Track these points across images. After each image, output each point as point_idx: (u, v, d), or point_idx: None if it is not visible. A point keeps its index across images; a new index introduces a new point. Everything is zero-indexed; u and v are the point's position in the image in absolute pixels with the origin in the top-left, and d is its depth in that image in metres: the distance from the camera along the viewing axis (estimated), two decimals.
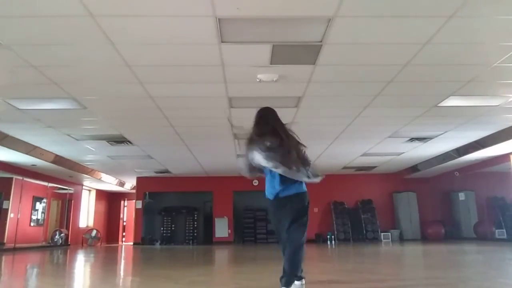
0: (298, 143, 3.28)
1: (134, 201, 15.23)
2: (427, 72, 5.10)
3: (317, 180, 3.11)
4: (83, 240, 14.90)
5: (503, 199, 12.38)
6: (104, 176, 13.86)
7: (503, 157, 10.02)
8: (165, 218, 14.64)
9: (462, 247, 9.11)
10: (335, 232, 13.56)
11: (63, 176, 12.70)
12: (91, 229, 15.40)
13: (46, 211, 13.79)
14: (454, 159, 10.45)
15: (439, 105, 6.37)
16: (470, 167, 11.50)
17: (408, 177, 13.78)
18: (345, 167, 12.84)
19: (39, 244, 12.58)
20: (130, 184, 16.22)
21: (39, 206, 13.42)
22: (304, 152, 3.24)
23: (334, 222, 13.74)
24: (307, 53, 4.51)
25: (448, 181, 13.15)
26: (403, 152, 10.46)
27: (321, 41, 4.22)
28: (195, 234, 14.51)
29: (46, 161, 9.91)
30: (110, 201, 18.29)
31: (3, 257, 8.35)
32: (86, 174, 12.54)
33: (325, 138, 8.78)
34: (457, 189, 13.16)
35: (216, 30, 3.94)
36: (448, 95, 5.95)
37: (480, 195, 12.91)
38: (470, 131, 8.18)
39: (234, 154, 10.08)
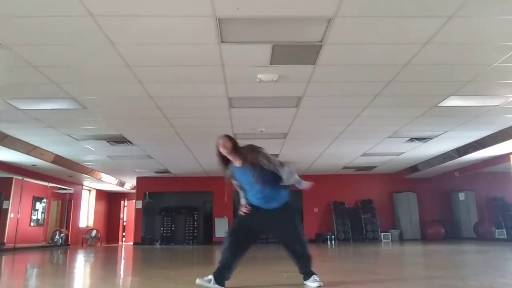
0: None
1: (134, 201, 15.24)
2: (427, 72, 5.10)
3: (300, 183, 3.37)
4: (83, 240, 14.90)
5: (503, 199, 12.38)
6: (104, 176, 13.87)
7: (503, 157, 10.02)
8: (165, 218, 14.64)
9: (462, 247, 9.10)
10: (335, 232, 13.56)
11: (63, 176, 12.71)
12: (91, 229, 15.41)
13: (46, 211, 13.80)
14: (454, 159, 10.46)
15: (439, 105, 6.37)
16: (470, 167, 11.50)
17: (408, 177, 13.78)
18: (345, 167, 12.84)
19: (39, 244, 12.58)
20: (130, 184, 16.23)
21: (39, 206, 13.42)
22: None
23: (334, 222, 13.74)
24: (307, 53, 4.51)
25: (448, 181, 13.15)
26: (403, 152, 10.46)
27: (321, 41, 4.22)
28: (195, 234, 14.51)
29: (46, 161, 9.91)
30: (110, 201, 18.29)
31: (3, 257, 8.35)
32: (86, 174, 12.54)
33: (325, 138, 8.78)
34: (457, 189, 13.15)
35: (216, 30, 3.94)
36: (448, 95, 5.95)
37: (480, 195, 12.91)
38: (470, 131, 8.19)
39: None
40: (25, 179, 11.76)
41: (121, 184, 15.92)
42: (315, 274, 3.30)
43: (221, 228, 13.97)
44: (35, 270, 6.04)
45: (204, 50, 4.41)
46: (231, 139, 3.31)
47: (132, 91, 5.62)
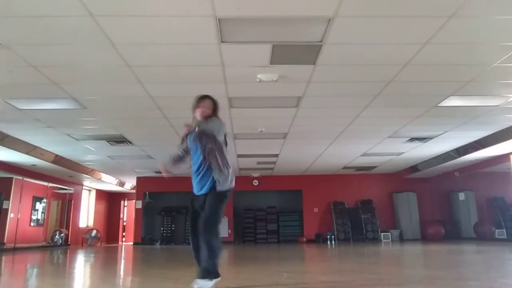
0: None
1: (134, 201, 15.23)
2: (427, 72, 5.10)
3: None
4: (83, 240, 14.90)
5: (503, 199, 12.37)
6: (104, 176, 13.87)
7: (503, 157, 10.02)
8: (165, 218, 14.64)
9: (462, 247, 9.10)
10: (335, 232, 13.56)
11: (63, 176, 12.71)
12: (91, 229, 15.40)
13: (46, 211, 13.79)
14: (454, 159, 10.46)
15: (439, 105, 6.37)
16: (470, 167, 11.50)
17: (408, 177, 13.78)
18: (345, 167, 12.84)
19: (39, 244, 12.57)
20: (130, 184, 16.22)
21: (39, 206, 13.42)
22: None
23: (334, 222, 13.74)
24: (307, 53, 4.51)
25: (448, 181, 13.14)
26: (403, 152, 10.46)
27: (321, 41, 4.22)
28: None
29: (46, 161, 9.91)
30: (110, 201, 18.29)
31: (3, 257, 8.35)
32: (86, 174, 12.54)
33: (325, 138, 8.78)
34: (457, 189, 13.15)
35: (216, 30, 3.94)
36: (448, 95, 5.95)
37: (480, 195, 12.89)
38: (470, 131, 8.19)
39: (234, 153, 10.07)
40: (25, 179, 11.75)
41: (121, 184, 15.92)
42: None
43: (221, 228, 13.94)
44: (35, 270, 6.04)
45: (204, 50, 4.41)
46: (215, 104, 3.25)
47: (132, 91, 5.62)
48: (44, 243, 12.93)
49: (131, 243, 14.96)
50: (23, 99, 5.91)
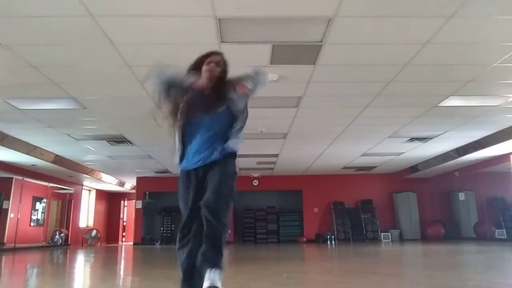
0: None
1: (134, 201, 15.23)
2: (427, 72, 5.10)
3: None
4: (83, 240, 14.89)
5: (503, 199, 12.38)
6: (104, 176, 13.87)
7: (503, 157, 10.02)
8: (165, 218, 14.64)
9: (462, 247, 9.10)
10: (335, 232, 13.55)
11: (63, 176, 12.70)
12: (91, 229, 15.40)
13: (46, 211, 13.79)
14: (454, 159, 10.45)
15: (439, 105, 6.37)
16: (470, 167, 11.50)
17: (408, 177, 13.78)
18: (345, 167, 12.84)
19: (39, 244, 12.57)
20: (130, 184, 16.22)
21: (39, 206, 13.42)
22: None
23: (334, 222, 13.74)
24: (307, 53, 4.51)
25: (448, 181, 13.14)
26: (403, 152, 10.46)
27: (321, 41, 4.22)
28: None
29: (46, 161, 9.91)
30: (110, 201, 18.28)
31: (3, 257, 8.35)
32: (86, 174, 12.54)
33: (325, 138, 8.78)
34: (457, 189, 13.15)
35: (216, 30, 3.95)
36: (448, 95, 5.95)
37: (480, 195, 12.90)
38: (470, 131, 8.18)
39: None
40: (25, 179, 11.75)
41: (121, 184, 15.92)
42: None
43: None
44: (35, 270, 6.04)
45: (204, 50, 4.40)
46: (226, 66, 2.53)
47: (132, 91, 5.62)
48: (44, 243, 12.93)
49: (131, 243, 14.95)
50: (23, 99, 5.91)
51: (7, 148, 8.37)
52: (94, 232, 15.13)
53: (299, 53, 4.50)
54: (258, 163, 11.79)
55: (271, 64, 4.77)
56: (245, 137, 2.64)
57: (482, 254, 7.33)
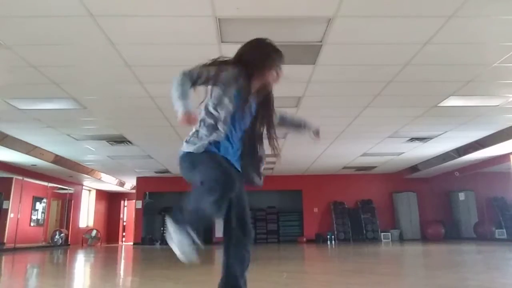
0: None
1: (134, 201, 15.23)
2: (427, 72, 5.09)
3: None
4: (83, 240, 14.89)
5: (503, 199, 12.38)
6: (104, 176, 13.87)
7: (503, 157, 10.02)
8: (165, 218, 14.61)
9: (462, 247, 9.11)
10: (335, 232, 13.56)
11: (63, 176, 12.70)
12: (91, 229, 15.40)
13: (46, 211, 13.80)
14: (454, 159, 10.45)
15: (439, 105, 6.37)
16: (470, 167, 11.50)
17: (408, 177, 13.78)
18: (345, 167, 12.84)
19: (39, 244, 12.57)
20: (130, 184, 16.22)
21: (39, 206, 13.42)
22: None
23: (334, 222, 13.74)
24: (307, 53, 4.51)
25: (448, 181, 13.14)
26: (403, 152, 10.46)
27: (321, 41, 4.22)
28: None
29: (46, 161, 9.91)
30: (110, 201, 18.28)
31: (3, 257, 8.35)
32: (86, 174, 12.54)
33: (325, 138, 8.77)
34: (457, 189, 13.15)
35: (216, 30, 3.94)
36: (448, 95, 5.95)
37: (480, 195, 12.90)
38: (470, 131, 8.18)
39: None
40: (25, 179, 11.75)
41: (121, 184, 15.92)
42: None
43: (221, 228, 13.96)
44: (35, 270, 6.04)
45: (204, 50, 4.40)
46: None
47: (132, 91, 5.62)
48: (44, 243, 12.93)
49: (131, 243, 14.95)
50: (23, 99, 5.91)
51: (7, 148, 8.37)
52: (94, 232, 15.14)
53: (299, 53, 4.50)
54: None
55: None
56: None
57: (482, 254, 7.33)
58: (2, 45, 4.14)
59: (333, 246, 11.07)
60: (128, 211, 18.52)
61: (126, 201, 18.68)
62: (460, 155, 10.10)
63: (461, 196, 13.11)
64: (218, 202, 1.82)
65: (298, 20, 3.82)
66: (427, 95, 6.01)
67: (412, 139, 8.94)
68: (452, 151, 10.18)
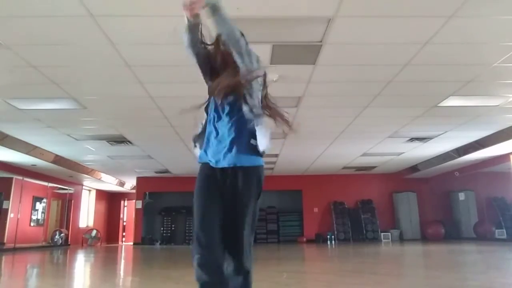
0: None
1: (134, 201, 15.23)
2: (427, 72, 5.09)
3: None
4: (83, 240, 14.89)
5: (503, 199, 12.38)
6: (104, 176, 13.87)
7: (503, 157, 10.02)
8: (165, 218, 14.62)
9: (462, 247, 9.11)
10: (335, 232, 13.55)
11: (63, 176, 12.70)
12: (91, 229, 15.40)
13: (46, 211, 13.80)
14: (454, 159, 10.45)
15: (439, 105, 6.37)
16: (470, 167, 11.50)
17: (408, 177, 13.78)
18: (345, 167, 12.84)
19: (39, 244, 12.57)
20: (130, 184, 16.22)
21: (39, 206, 13.42)
22: None
23: (334, 222, 13.74)
24: (307, 53, 4.51)
25: (448, 181, 13.14)
26: (403, 152, 10.46)
27: (321, 41, 4.22)
28: None
29: (46, 161, 9.91)
30: (110, 201, 18.28)
31: (3, 257, 8.35)
32: (86, 174, 12.54)
33: (325, 138, 8.78)
34: (457, 189, 13.15)
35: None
36: (448, 95, 5.95)
37: (480, 195, 12.90)
38: (470, 131, 8.18)
39: None
40: (25, 179, 11.75)
41: (121, 184, 15.92)
42: None
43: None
44: (35, 270, 6.04)
45: None
46: None
47: (132, 91, 5.61)
48: (44, 243, 12.93)
49: (131, 243, 14.95)
50: (23, 99, 5.90)
51: (7, 148, 8.37)
52: (94, 232, 15.13)
53: (299, 53, 4.50)
54: None
55: (271, 64, 4.76)
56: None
57: (482, 254, 7.33)
58: (2, 45, 4.14)
59: (333, 246, 11.07)
60: (128, 211, 18.52)
61: (126, 201, 18.68)
62: (460, 155, 10.10)
63: (461, 196, 13.11)
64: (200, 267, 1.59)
65: (298, 20, 3.82)
66: (427, 95, 6.01)
67: (412, 139, 8.94)
68: (452, 151, 10.18)
